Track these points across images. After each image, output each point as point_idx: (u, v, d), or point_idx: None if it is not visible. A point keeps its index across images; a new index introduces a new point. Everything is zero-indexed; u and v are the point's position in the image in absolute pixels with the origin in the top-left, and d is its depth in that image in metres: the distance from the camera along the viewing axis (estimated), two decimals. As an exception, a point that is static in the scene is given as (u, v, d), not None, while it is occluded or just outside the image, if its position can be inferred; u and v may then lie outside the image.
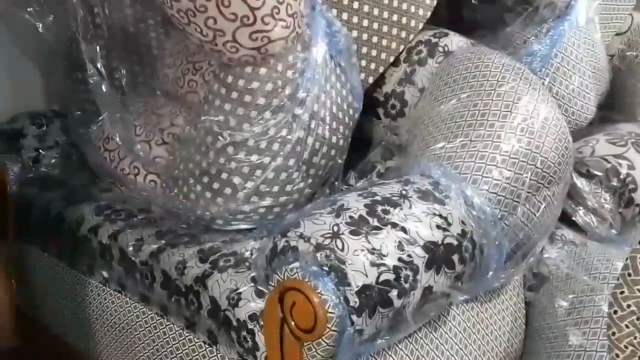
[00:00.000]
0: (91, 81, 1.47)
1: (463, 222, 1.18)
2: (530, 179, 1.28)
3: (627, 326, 0.75)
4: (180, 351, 1.35)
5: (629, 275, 0.72)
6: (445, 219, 1.16)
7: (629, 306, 0.74)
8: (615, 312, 0.74)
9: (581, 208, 1.57)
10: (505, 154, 1.27)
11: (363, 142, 1.62)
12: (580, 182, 1.56)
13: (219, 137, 1.32)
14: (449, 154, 1.29)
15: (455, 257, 1.15)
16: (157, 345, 1.41)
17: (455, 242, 1.15)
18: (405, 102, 1.56)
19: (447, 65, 1.47)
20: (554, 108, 1.37)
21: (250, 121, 1.30)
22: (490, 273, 1.25)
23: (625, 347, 0.75)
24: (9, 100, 1.96)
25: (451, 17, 1.87)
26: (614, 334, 0.75)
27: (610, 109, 1.94)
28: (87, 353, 1.62)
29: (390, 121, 1.59)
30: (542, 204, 1.31)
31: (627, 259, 0.74)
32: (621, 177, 1.55)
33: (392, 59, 1.54)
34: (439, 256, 1.12)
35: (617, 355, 0.75)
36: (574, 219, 1.57)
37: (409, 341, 1.24)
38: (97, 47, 1.47)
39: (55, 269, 1.67)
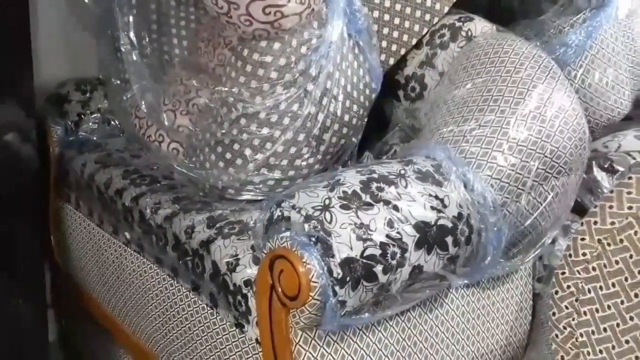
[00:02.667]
0: (123, 49, 1.53)
1: (460, 205, 1.18)
2: (538, 168, 1.26)
3: (566, 307, 0.74)
4: (186, 312, 1.41)
5: (570, 256, 0.71)
6: (442, 200, 1.17)
7: (568, 287, 0.73)
8: (557, 292, 0.74)
9: (601, 203, 1.53)
10: (512, 141, 1.26)
11: (382, 123, 1.63)
12: (601, 177, 1.52)
13: (233, 108, 1.36)
14: (456, 138, 1.29)
15: (449, 239, 1.15)
16: (166, 305, 1.47)
17: (449, 224, 1.15)
18: (425, 86, 1.55)
19: (468, 50, 1.46)
20: (571, 98, 1.34)
21: (262, 94, 1.33)
22: (488, 259, 1.24)
23: (564, 327, 0.75)
24: (62, 66, 2.05)
25: (489, 6, 1.85)
26: (554, 314, 0.75)
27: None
28: (108, 309, 1.71)
29: (409, 104, 1.59)
30: (549, 193, 1.29)
31: (570, 239, 0.74)
32: (645, 174, 1.50)
33: (414, 41, 1.54)
34: (431, 236, 1.13)
35: (557, 336, 0.75)
36: (592, 213, 1.53)
37: (400, 319, 1.25)
38: (131, 17, 1.54)
39: (86, 228, 1.76)
